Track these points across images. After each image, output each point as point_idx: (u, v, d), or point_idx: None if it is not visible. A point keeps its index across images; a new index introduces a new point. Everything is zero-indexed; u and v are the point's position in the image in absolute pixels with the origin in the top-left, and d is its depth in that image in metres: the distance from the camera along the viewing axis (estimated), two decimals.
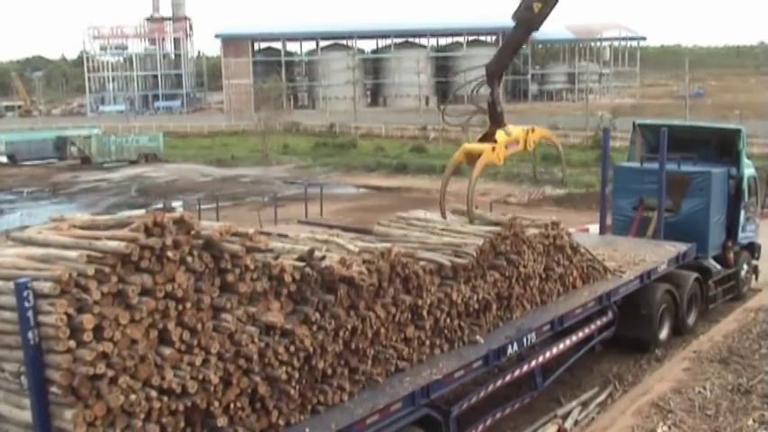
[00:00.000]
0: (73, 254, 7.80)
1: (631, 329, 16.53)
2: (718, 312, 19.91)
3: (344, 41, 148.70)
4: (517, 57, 17.17)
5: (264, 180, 59.67)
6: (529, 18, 14.82)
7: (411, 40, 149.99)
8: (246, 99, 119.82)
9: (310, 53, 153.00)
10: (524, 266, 13.36)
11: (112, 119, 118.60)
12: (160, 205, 47.07)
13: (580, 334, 14.65)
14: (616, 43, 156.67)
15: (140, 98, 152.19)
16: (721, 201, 20.41)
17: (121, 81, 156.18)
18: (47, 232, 8.83)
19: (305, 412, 9.40)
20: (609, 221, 21.34)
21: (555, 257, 14.36)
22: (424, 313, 11.21)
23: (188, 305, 8.30)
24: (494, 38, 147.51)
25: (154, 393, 7.87)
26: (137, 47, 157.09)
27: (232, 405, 8.58)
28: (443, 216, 14.41)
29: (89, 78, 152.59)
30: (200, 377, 8.25)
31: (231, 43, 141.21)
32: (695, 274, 18.85)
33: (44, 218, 11.05)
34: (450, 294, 11.66)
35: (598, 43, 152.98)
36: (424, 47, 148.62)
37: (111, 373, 7.57)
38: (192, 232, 8.51)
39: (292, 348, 9.18)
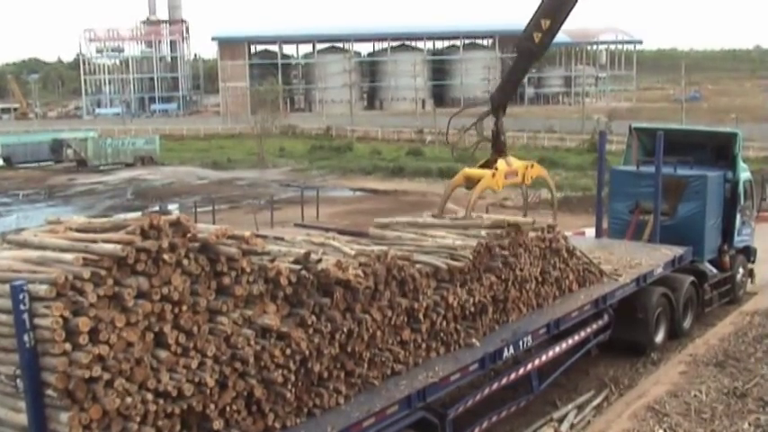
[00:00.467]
0: (69, 256, 7.79)
1: (627, 333, 16.54)
2: (714, 316, 19.94)
3: (341, 44, 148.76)
4: (519, 85, 17.28)
5: (261, 183, 59.62)
6: (530, 48, 15.00)
7: (407, 43, 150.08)
8: (243, 102, 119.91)
9: (307, 56, 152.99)
10: (521, 269, 13.37)
11: (109, 121, 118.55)
12: (156, 208, 47.00)
13: (576, 337, 14.67)
14: (612, 47, 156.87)
15: (137, 101, 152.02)
16: (717, 204, 20.43)
17: (118, 84, 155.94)
18: (43, 235, 8.83)
19: (301, 415, 9.40)
20: (605, 225, 21.36)
21: (551, 261, 14.37)
22: (421, 316, 11.21)
23: (184, 308, 8.30)
24: (490, 41, 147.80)
25: (150, 396, 7.87)
26: (133, 49, 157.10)
27: (228, 408, 8.58)
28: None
29: (85, 81, 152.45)
30: (196, 380, 8.25)
31: (228, 46, 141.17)
32: (691, 278, 18.86)
33: (40, 220, 11.04)
34: (447, 297, 11.67)
35: (594, 47, 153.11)
36: (421, 50, 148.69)
37: (106, 376, 7.57)
38: (189, 235, 8.51)
39: (288, 351, 9.19)
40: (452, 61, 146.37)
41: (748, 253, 22.48)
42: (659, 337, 17.63)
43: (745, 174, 21.57)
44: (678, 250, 18.37)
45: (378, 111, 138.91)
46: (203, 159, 75.83)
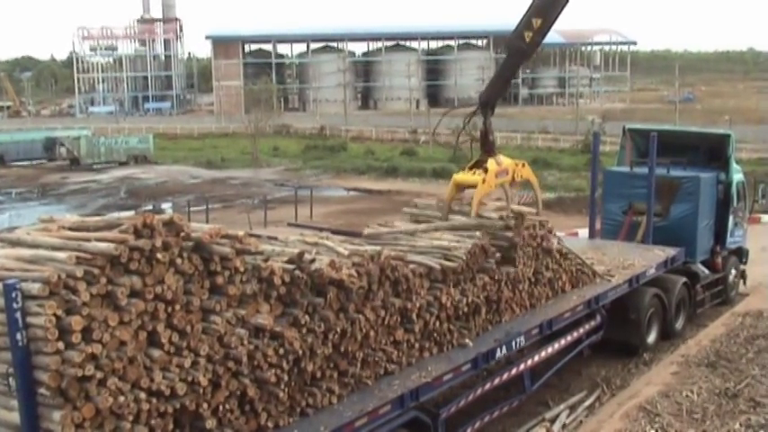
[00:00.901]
0: (62, 255, 7.79)
1: (620, 333, 16.58)
2: (706, 317, 20.00)
3: (335, 44, 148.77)
4: (509, 86, 17.23)
5: (254, 182, 59.60)
6: (521, 47, 14.94)
7: (402, 42, 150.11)
8: (237, 101, 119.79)
9: (301, 55, 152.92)
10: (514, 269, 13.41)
11: (102, 120, 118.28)
12: (150, 207, 46.97)
13: (569, 338, 14.69)
14: (607, 48, 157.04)
15: (130, 99, 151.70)
16: (710, 206, 20.48)
17: (111, 82, 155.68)
18: (36, 233, 8.81)
19: (294, 414, 9.40)
20: (598, 226, 21.39)
21: (544, 261, 14.40)
22: (414, 316, 11.22)
23: (177, 307, 8.30)
24: (484, 41, 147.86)
25: (143, 395, 7.87)
26: (127, 48, 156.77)
27: (221, 407, 8.58)
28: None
29: (78, 79, 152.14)
30: (190, 379, 8.26)
31: (221, 45, 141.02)
32: (683, 279, 18.91)
33: (33, 219, 11.06)
34: (440, 297, 11.68)
35: (589, 47, 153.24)
36: (415, 50, 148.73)
37: (99, 375, 7.57)
38: (182, 234, 8.51)
39: (281, 351, 9.19)
40: (447, 61, 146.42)
41: (741, 254, 22.53)
42: (651, 337, 17.67)
43: (737, 175, 21.62)
44: (671, 251, 18.42)
45: (372, 110, 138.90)
46: (197, 158, 75.75)
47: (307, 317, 9.62)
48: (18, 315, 7.43)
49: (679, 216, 19.97)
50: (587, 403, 14.78)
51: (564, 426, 13.86)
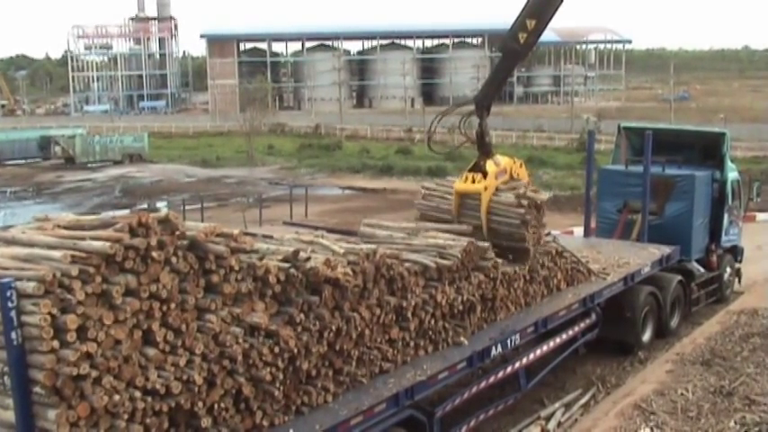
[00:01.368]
0: (57, 254, 7.78)
1: (615, 332, 16.60)
2: (701, 315, 20.04)
3: (330, 42, 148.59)
4: (503, 86, 17.25)
5: (249, 181, 59.53)
6: (515, 48, 14.96)
7: (397, 41, 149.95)
8: (232, 100, 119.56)
9: (296, 54, 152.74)
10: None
11: (97, 119, 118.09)
12: (145, 206, 46.92)
13: (564, 336, 14.71)
14: (602, 46, 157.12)
15: (125, 98, 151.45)
16: (705, 204, 20.51)
17: (106, 81, 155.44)
18: (31, 232, 8.80)
19: (289, 413, 9.41)
20: (593, 224, 21.41)
21: (539, 260, 14.42)
22: (409, 314, 11.23)
23: (172, 306, 8.29)
24: (479, 40, 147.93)
25: (138, 394, 7.86)
26: (122, 47, 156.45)
27: (216, 406, 8.58)
28: None
29: (73, 78, 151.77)
30: (185, 378, 8.25)
31: (216, 43, 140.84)
32: (678, 277, 18.94)
33: (28, 218, 11.01)
34: (435, 296, 11.69)
35: (584, 46, 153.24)
36: (410, 48, 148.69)
37: (94, 374, 7.56)
38: (177, 233, 8.50)
39: (277, 349, 9.19)
40: (442, 60, 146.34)
41: (735, 252, 22.58)
42: (646, 335, 17.70)
43: (732, 173, 21.66)
44: (666, 249, 18.44)
45: (367, 109, 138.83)
46: (192, 157, 75.65)
47: (302, 315, 9.62)
48: (13, 314, 7.42)
49: (674, 214, 19.99)
50: (582, 401, 14.81)
51: (559, 424, 13.88)
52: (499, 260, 13.32)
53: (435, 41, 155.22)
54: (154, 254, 8.14)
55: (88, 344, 7.55)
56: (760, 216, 34.13)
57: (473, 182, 14.55)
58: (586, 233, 21.43)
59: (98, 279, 7.77)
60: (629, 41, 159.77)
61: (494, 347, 12.36)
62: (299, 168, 67.75)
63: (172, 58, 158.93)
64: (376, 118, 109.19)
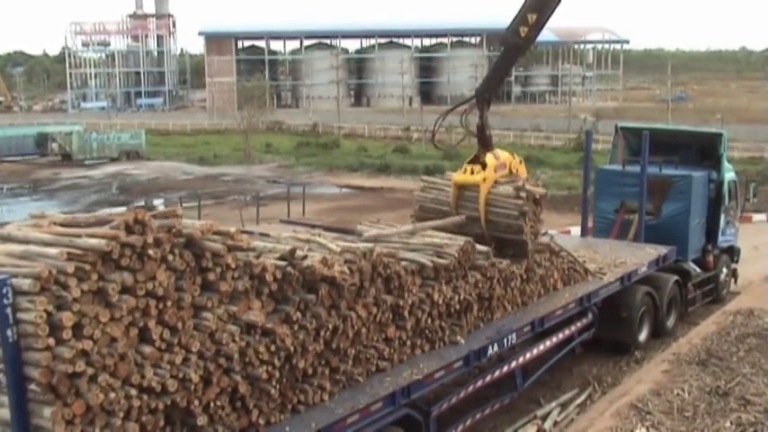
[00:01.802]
0: (53, 251, 7.76)
1: (611, 331, 16.62)
2: (698, 315, 20.05)
3: (328, 41, 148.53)
4: (505, 80, 17.30)
5: (247, 179, 59.49)
6: (516, 42, 14.97)
7: (395, 40, 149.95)
8: (229, 97, 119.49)
9: (294, 52, 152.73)
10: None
11: (94, 115, 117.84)
12: (141, 203, 46.87)
13: (560, 335, 14.72)
14: (599, 46, 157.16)
15: (122, 95, 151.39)
16: (702, 204, 20.53)
17: (103, 78, 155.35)
18: (27, 229, 8.78)
19: (285, 411, 9.40)
20: (590, 224, 21.42)
21: (536, 259, 14.43)
22: (406, 313, 11.22)
23: (169, 303, 8.28)
24: (477, 39, 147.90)
25: (134, 392, 7.85)
26: (119, 43, 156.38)
27: (212, 404, 8.57)
28: None
29: (71, 74, 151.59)
30: (181, 376, 8.24)
31: (214, 41, 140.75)
32: (675, 277, 18.96)
33: (24, 215, 10.99)
34: (432, 295, 11.68)
35: (581, 46, 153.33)
36: (408, 47, 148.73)
37: (90, 371, 7.55)
38: (174, 230, 8.49)
39: (273, 348, 9.18)
40: (440, 59, 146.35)
41: (732, 253, 22.61)
42: (643, 335, 17.72)
43: (729, 174, 21.68)
44: (662, 249, 18.45)
45: (365, 108, 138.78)
46: (189, 155, 75.56)
47: (298, 314, 9.61)
48: (8, 311, 7.40)
49: (671, 214, 20.02)
50: (579, 401, 14.82)
51: (555, 423, 13.89)
52: (497, 259, 13.33)
53: (434, 40, 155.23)
54: (150, 251, 8.13)
55: (84, 341, 7.54)
56: (756, 217, 34.16)
57: (472, 173, 14.56)
58: (583, 233, 21.43)
59: (94, 276, 7.75)
60: (627, 42, 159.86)
61: (490, 347, 12.36)
62: (297, 166, 67.70)
63: (170, 56, 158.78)
64: (374, 117, 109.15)
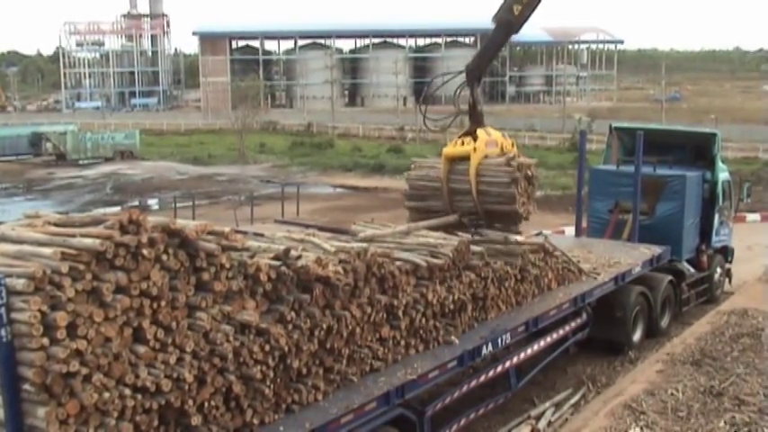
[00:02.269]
0: (47, 251, 7.75)
1: (605, 331, 16.64)
2: (692, 315, 20.09)
3: (323, 41, 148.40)
4: (495, 59, 17.33)
5: (241, 179, 59.44)
6: (509, 21, 14.95)
7: (389, 40, 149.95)
8: (224, 97, 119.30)
9: (288, 52, 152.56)
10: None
11: (88, 115, 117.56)
12: (136, 203, 46.82)
13: (554, 335, 14.73)
14: (594, 46, 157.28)
15: (117, 95, 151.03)
16: (696, 204, 20.56)
17: (98, 77, 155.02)
18: (21, 229, 8.76)
19: (279, 411, 9.40)
20: (585, 224, 21.45)
21: (530, 259, 14.44)
22: (400, 313, 11.22)
23: (163, 303, 8.27)
24: (472, 39, 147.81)
25: (128, 392, 7.84)
26: (113, 43, 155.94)
27: (206, 404, 8.57)
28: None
29: (65, 74, 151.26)
30: (175, 376, 8.23)
31: (209, 41, 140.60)
32: (669, 277, 18.99)
33: (18, 214, 10.96)
34: (426, 295, 11.68)
35: (576, 46, 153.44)
36: (403, 47, 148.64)
37: (84, 371, 7.54)
38: (168, 230, 8.48)
39: (267, 347, 9.18)
40: (434, 59, 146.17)
41: (726, 253, 22.66)
42: (637, 335, 17.75)
43: (723, 174, 21.73)
44: (656, 249, 18.48)
45: (359, 108, 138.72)
46: (183, 154, 75.46)
47: (293, 313, 9.61)
48: (2, 311, 7.38)
49: (665, 214, 20.05)
50: (573, 401, 14.84)
51: (549, 423, 13.91)
52: (491, 259, 13.34)
53: (428, 40, 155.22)
54: (144, 251, 8.12)
55: (78, 341, 7.53)
56: (750, 217, 34.26)
57: (462, 145, 14.57)
58: (578, 233, 21.46)
59: (88, 276, 7.74)
60: (621, 42, 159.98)
61: (484, 346, 12.35)
62: (291, 166, 67.64)
63: (164, 56, 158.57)
64: (368, 116, 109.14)
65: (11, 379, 7.47)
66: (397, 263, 11.47)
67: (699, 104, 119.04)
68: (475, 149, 14.34)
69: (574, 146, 61.13)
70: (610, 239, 19.89)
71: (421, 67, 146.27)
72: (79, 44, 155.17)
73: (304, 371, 9.77)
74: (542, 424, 13.82)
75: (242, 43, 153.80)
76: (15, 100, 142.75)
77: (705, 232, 21.26)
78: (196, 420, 8.41)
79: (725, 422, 12.28)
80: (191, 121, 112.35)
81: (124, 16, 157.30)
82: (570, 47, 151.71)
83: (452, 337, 12.10)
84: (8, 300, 7.42)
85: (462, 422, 12.24)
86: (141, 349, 8.08)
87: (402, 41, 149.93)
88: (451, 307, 12.20)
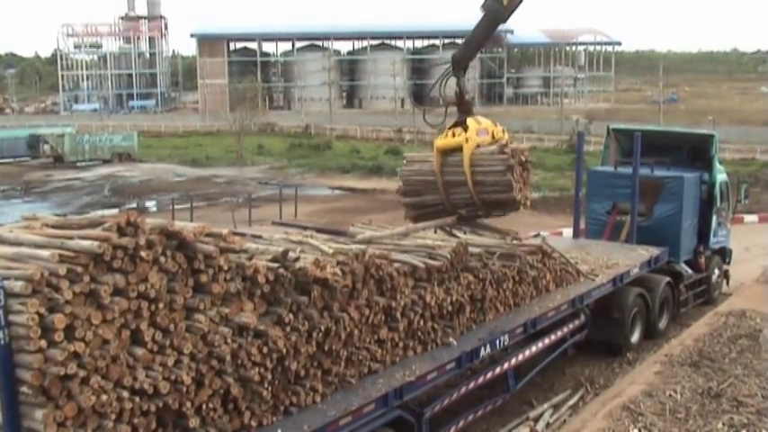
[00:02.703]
0: (45, 253, 7.74)
1: (603, 333, 16.63)
2: (690, 316, 20.09)
3: (320, 42, 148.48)
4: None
5: (239, 180, 59.42)
6: (497, 10, 14.82)
7: (387, 42, 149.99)
8: (222, 99, 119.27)
9: (286, 54, 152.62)
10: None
11: (86, 117, 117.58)
12: (134, 205, 46.77)
13: (553, 337, 14.72)
14: (591, 48, 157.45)
15: (114, 97, 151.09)
16: (693, 206, 20.56)
17: (96, 80, 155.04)
18: (18, 231, 8.76)
19: (277, 413, 9.39)
20: (583, 225, 21.44)
21: (529, 260, 14.44)
22: (398, 315, 11.21)
23: (161, 305, 8.26)
24: None
25: (125, 394, 7.83)
26: (111, 45, 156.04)
27: (204, 406, 8.56)
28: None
29: (63, 76, 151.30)
30: (173, 378, 8.22)
31: (206, 43, 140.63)
32: (667, 279, 18.99)
33: (16, 216, 10.97)
34: (424, 296, 11.67)
35: (573, 48, 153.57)
36: (401, 49, 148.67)
37: (82, 374, 7.53)
38: (165, 232, 8.47)
39: (265, 349, 9.17)
40: (432, 60, 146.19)
41: (724, 254, 22.65)
42: (635, 337, 17.74)
43: (721, 175, 21.73)
44: (654, 251, 18.49)
45: (357, 109, 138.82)
46: (181, 156, 75.41)
47: (291, 315, 9.60)
48: (0, 313, 7.38)
49: (663, 216, 20.04)
50: (571, 402, 14.83)
51: (548, 425, 13.90)
52: (489, 260, 13.34)
53: (425, 42, 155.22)
54: (142, 253, 8.12)
55: (76, 343, 7.52)
56: (748, 218, 34.27)
57: (454, 137, 14.45)
58: (575, 234, 21.45)
59: (86, 278, 7.74)
60: (619, 43, 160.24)
61: (482, 348, 12.35)
62: (289, 168, 67.62)
63: (162, 57, 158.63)
64: (366, 118, 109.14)
65: (8, 381, 7.46)
66: (396, 264, 11.47)
67: (696, 106, 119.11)
68: (467, 140, 14.18)
69: (571, 147, 60.97)
70: (608, 241, 19.88)
71: (419, 69, 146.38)
72: (77, 46, 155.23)
73: (302, 373, 9.76)
74: (541, 425, 13.82)
75: (240, 45, 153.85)
76: (13, 102, 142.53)
77: (703, 233, 21.25)
78: (194, 422, 8.40)
79: (723, 423, 12.29)
80: (188, 122, 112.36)
81: (122, 18, 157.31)
82: (568, 48, 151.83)
83: (451, 339, 12.09)
84: (6, 302, 7.41)
85: (461, 424, 12.23)
86: (139, 351, 8.07)
87: (400, 43, 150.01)
88: (450, 308, 12.20)
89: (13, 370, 7.47)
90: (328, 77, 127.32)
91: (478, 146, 14.34)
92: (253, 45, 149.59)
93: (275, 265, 9.67)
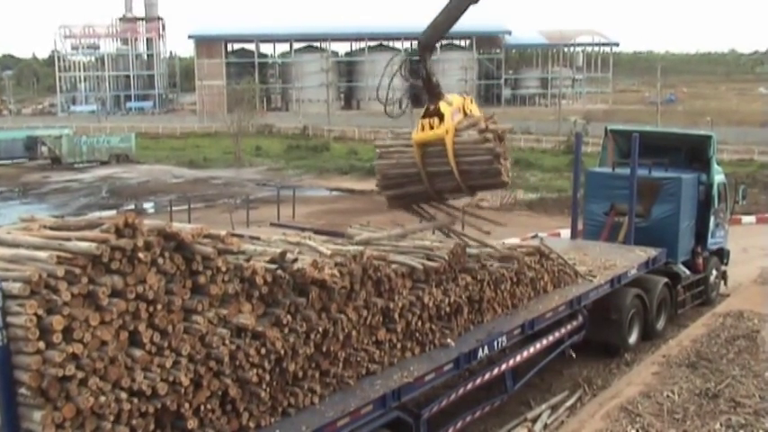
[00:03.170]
0: (43, 254, 7.74)
1: (601, 334, 16.64)
2: (687, 317, 20.11)
3: (318, 44, 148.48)
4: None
5: (237, 182, 59.40)
6: None
7: (385, 43, 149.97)
8: (219, 100, 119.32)
9: (284, 55, 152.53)
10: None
11: (84, 119, 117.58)
12: (131, 206, 46.75)
13: (550, 338, 14.73)
14: (589, 49, 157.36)
15: (112, 98, 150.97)
16: (691, 207, 20.58)
17: (93, 81, 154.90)
18: (16, 233, 8.76)
19: (275, 414, 9.38)
20: (580, 226, 21.45)
21: (526, 261, 14.45)
22: (396, 316, 11.22)
23: (159, 307, 8.27)
24: (467, 42, 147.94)
25: (124, 395, 7.83)
26: (109, 47, 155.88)
27: (202, 407, 8.55)
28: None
29: (60, 78, 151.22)
30: (171, 379, 8.22)
31: (204, 44, 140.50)
32: (665, 279, 19.00)
33: (14, 218, 10.98)
34: (422, 297, 11.68)
35: (571, 49, 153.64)
36: (399, 50, 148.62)
37: (80, 375, 7.53)
38: (164, 234, 8.48)
39: (263, 351, 9.17)
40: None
41: (722, 255, 22.67)
42: (633, 338, 17.76)
43: (719, 176, 21.74)
44: (652, 252, 18.50)
45: (355, 111, 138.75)
46: (179, 158, 75.43)
47: (289, 317, 9.60)
48: None
49: (660, 217, 20.06)
50: (569, 403, 14.84)
51: (545, 426, 13.91)
52: (487, 262, 13.35)
53: None
54: (140, 255, 8.12)
55: (74, 345, 7.53)
56: (745, 219, 34.31)
57: (431, 128, 13.88)
58: (573, 235, 21.46)
59: (84, 280, 7.74)
60: (617, 44, 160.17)
61: (480, 349, 12.35)
62: (287, 169, 67.62)
63: (159, 59, 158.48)
64: (364, 119, 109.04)
65: (7, 383, 7.46)
66: (393, 266, 11.47)
67: (694, 107, 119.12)
68: (447, 131, 13.68)
69: (569, 148, 61.16)
70: (605, 242, 19.89)
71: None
72: (75, 47, 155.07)
73: (300, 374, 9.76)
74: (538, 426, 13.83)
75: (237, 46, 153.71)
76: (11, 103, 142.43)
77: (701, 234, 21.27)
78: (192, 424, 8.40)
79: (720, 424, 12.30)
80: (186, 124, 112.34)
81: (120, 20, 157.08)
82: (566, 49, 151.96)
83: (448, 340, 12.10)
84: (4, 303, 7.42)
85: (459, 425, 12.24)
86: (137, 353, 8.07)
87: (398, 44, 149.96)
88: (447, 310, 12.20)
89: (12, 371, 7.47)
90: (326, 79, 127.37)
91: (457, 129, 13.78)
92: (250, 46, 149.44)
93: (273, 266, 9.67)
